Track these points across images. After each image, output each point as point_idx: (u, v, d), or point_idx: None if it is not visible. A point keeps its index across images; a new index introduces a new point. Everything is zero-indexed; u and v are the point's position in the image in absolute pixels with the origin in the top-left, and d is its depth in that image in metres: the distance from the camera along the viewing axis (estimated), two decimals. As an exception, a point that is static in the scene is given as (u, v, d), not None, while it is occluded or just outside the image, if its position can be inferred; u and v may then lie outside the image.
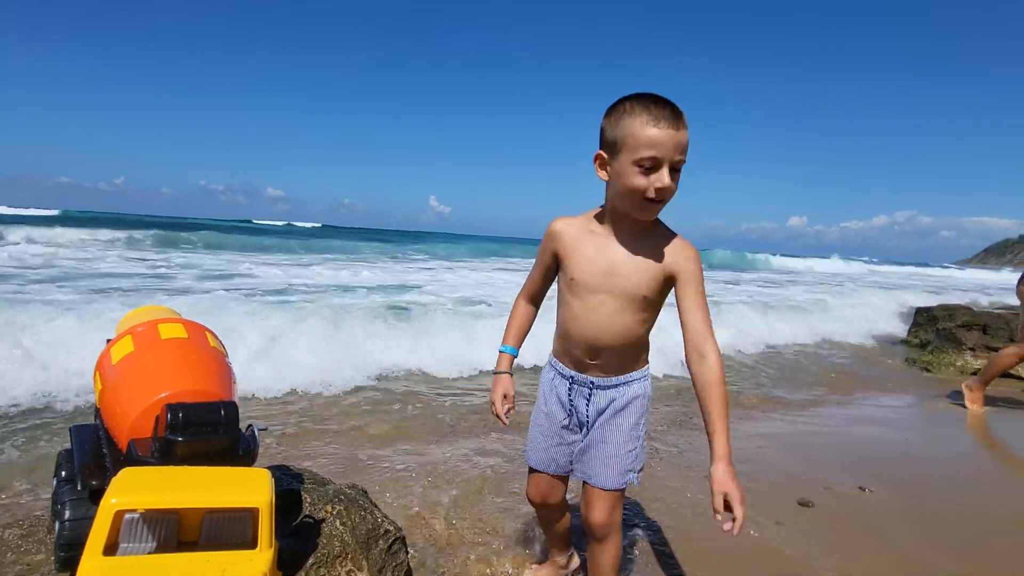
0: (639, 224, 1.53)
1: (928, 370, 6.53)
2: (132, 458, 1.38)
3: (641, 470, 1.66)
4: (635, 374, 1.63)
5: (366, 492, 1.87)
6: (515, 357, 1.76)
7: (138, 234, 17.67)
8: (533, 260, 1.71)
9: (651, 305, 1.55)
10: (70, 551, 1.32)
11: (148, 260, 12.40)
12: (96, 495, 1.39)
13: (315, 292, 8.39)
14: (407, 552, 1.74)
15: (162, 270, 10.53)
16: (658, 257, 1.52)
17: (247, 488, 1.11)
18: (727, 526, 1.35)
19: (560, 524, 1.90)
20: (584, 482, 1.67)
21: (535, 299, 1.78)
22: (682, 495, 2.71)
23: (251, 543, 1.11)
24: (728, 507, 1.36)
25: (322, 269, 12.37)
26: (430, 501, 2.49)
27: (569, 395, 1.66)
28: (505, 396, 1.73)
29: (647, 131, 1.38)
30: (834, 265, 36.59)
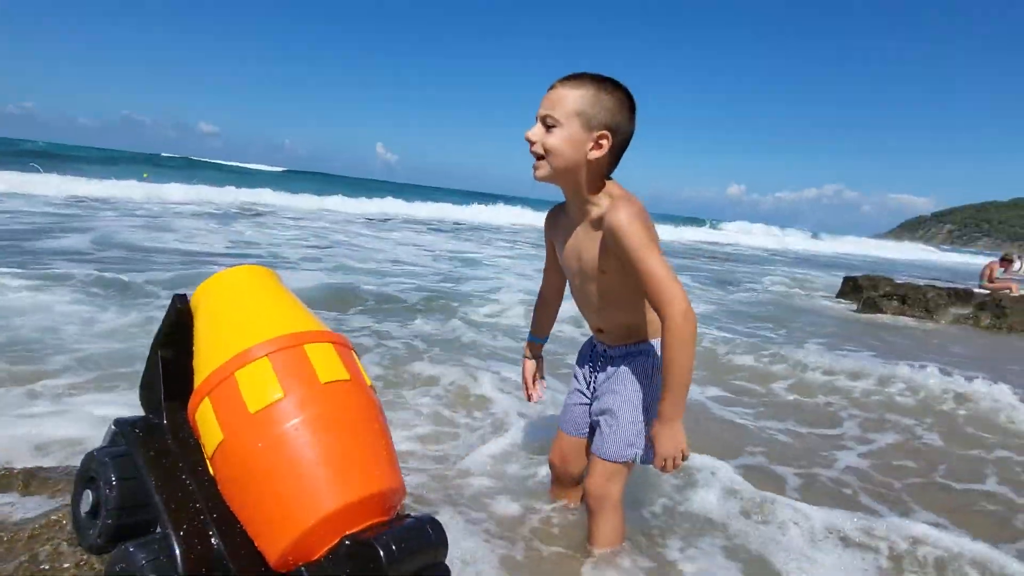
0: (582, 198, 1.49)
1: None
2: None
3: (647, 448, 1.57)
4: (639, 346, 1.63)
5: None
6: (540, 344, 1.91)
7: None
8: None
9: (620, 281, 1.49)
10: None
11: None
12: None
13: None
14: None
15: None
16: (597, 227, 1.48)
17: None
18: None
19: (571, 500, 1.91)
20: (590, 459, 1.70)
21: (552, 291, 1.87)
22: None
23: None
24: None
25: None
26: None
27: (590, 357, 1.78)
28: (534, 377, 1.90)
29: None
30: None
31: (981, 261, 12.31)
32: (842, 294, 8.51)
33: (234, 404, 1.05)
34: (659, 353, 1.52)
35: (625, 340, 1.64)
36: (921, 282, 7.85)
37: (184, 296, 1.26)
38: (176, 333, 1.24)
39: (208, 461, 1.11)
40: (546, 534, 1.81)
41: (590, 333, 1.80)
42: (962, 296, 7.36)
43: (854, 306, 7.74)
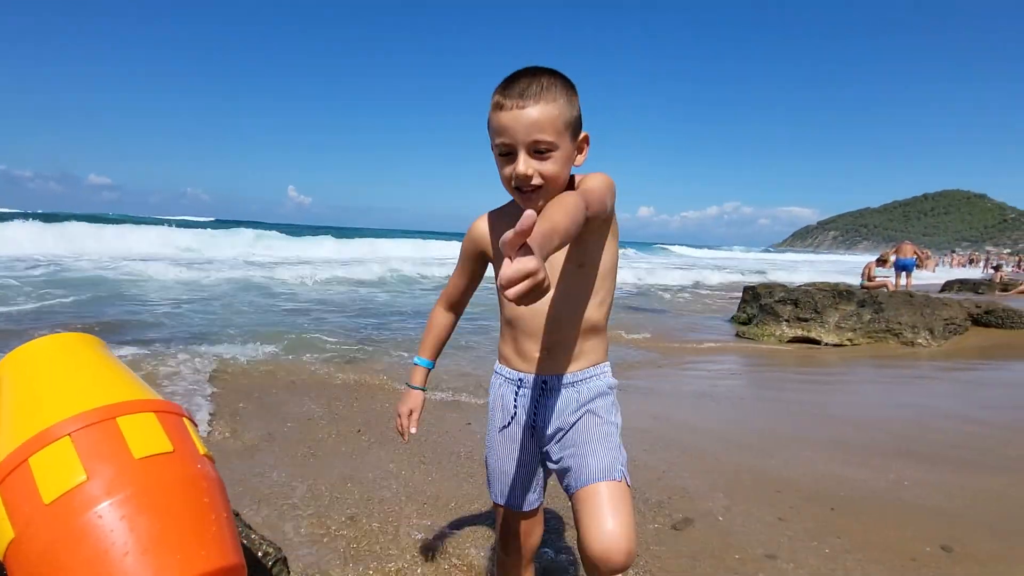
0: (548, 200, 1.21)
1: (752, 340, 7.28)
2: None
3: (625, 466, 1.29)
4: (592, 370, 1.35)
5: (238, 514, 1.63)
6: (430, 371, 1.56)
7: None
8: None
9: (593, 273, 1.31)
10: None
11: None
12: None
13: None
14: (289, 573, 1.58)
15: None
16: None
17: None
18: None
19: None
20: (577, 501, 1.23)
21: (456, 306, 1.55)
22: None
23: None
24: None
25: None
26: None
27: (515, 400, 1.39)
28: (411, 412, 1.51)
29: (495, 116, 1.17)
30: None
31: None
32: (744, 302, 8.92)
33: (26, 495, 0.89)
34: (612, 379, 1.38)
35: (578, 364, 1.35)
36: (808, 286, 8.37)
37: None
38: None
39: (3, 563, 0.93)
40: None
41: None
42: (844, 295, 7.88)
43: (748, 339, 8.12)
